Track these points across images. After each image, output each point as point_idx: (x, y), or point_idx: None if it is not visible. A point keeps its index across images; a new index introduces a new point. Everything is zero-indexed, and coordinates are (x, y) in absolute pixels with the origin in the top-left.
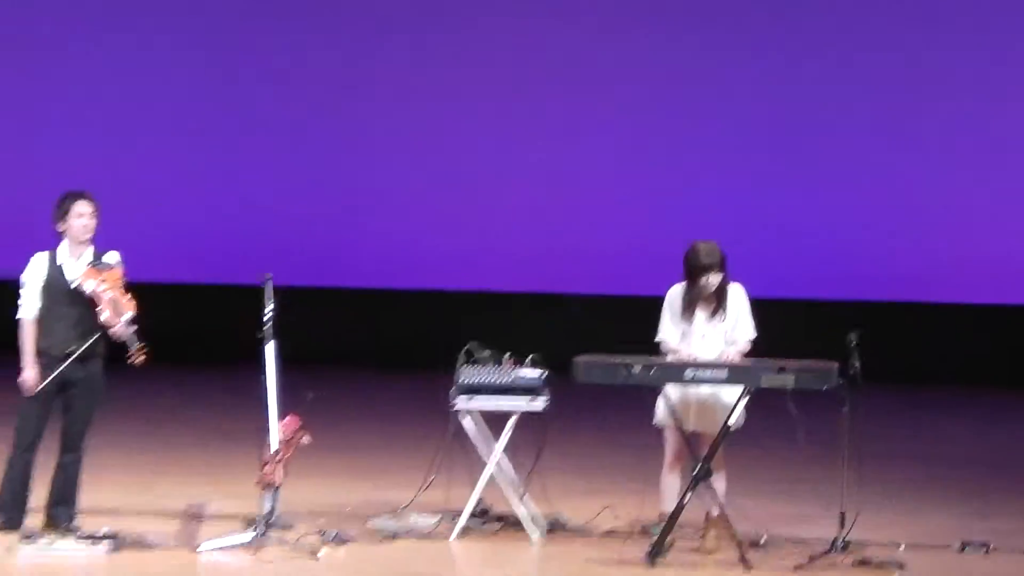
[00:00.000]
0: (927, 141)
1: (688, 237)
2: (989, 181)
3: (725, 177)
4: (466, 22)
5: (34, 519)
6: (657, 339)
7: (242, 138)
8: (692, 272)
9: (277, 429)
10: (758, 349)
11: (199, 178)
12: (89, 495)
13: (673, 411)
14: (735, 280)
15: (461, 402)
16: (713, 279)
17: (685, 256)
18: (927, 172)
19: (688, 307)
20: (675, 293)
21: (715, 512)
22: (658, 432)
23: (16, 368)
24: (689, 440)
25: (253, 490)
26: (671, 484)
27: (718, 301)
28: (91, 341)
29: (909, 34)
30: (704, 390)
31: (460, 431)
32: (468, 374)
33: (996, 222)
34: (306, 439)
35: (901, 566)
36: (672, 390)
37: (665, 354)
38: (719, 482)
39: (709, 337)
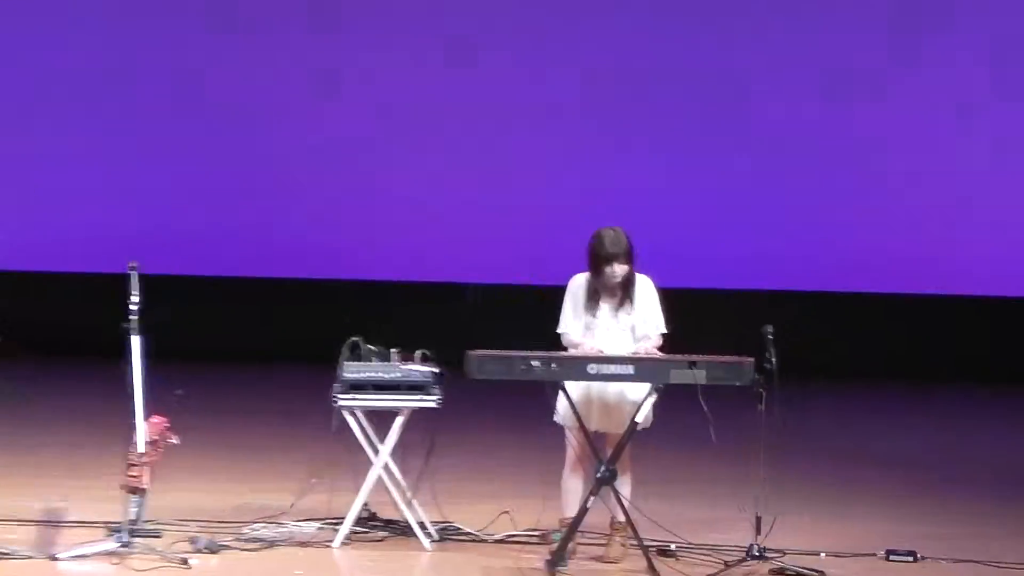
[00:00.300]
0: (841, 131)
1: (593, 224)
2: (910, 171)
3: (634, 163)
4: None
5: None
6: (558, 331)
7: (111, 120)
8: (596, 261)
9: (144, 429)
10: (667, 343)
11: (61, 161)
12: None
13: (574, 410)
14: (643, 272)
15: (344, 400)
16: (619, 269)
17: (589, 244)
18: (842, 161)
19: (592, 298)
20: (578, 283)
21: (620, 517)
22: (559, 432)
23: None
24: (592, 440)
25: (117, 494)
26: (573, 487)
27: (624, 292)
28: None
29: (822, 33)
30: (608, 387)
31: (344, 431)
32: (352, 369)
33: (919, 210)
34: (174, 440)
35: (822, 575)
36: (573, 387)
37: (567, 348)
38: (624, 485)
39: (614, 331)
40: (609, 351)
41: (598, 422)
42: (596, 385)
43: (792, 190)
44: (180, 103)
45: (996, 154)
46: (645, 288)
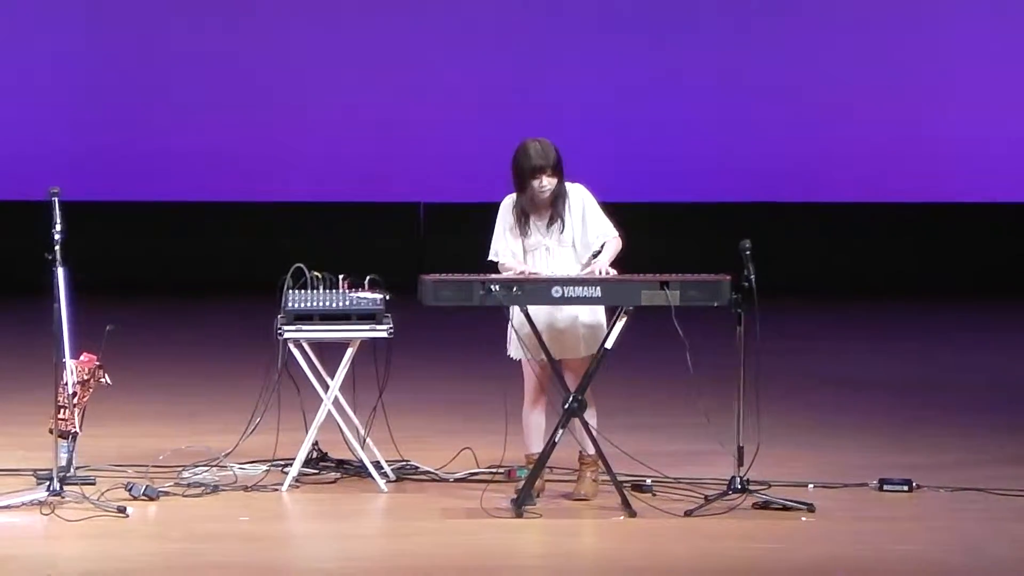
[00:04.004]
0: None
1: (566, 142)
2: (873, 76)
3: (598, 75)
4: None
5: None
6: (490, 257)
7: (29, 39)
8: (522, 175)
9: (72, 368)
10: (640, 262)
11: None
12: None
13: (527, 340)
14: (575, 181)
15: (289, 332)
16: (547, 182)
17: (513, 158)
18: (809, 70)
19: (520, 219)
20: (507, 205)
21: (590, 450)
22: (518, 363)
23: None
24: (552, 370)
25: (46, 440)
26: (535, 422)
27: (553, 208)
28: None
29: None
30: (557, 311)
31: (289, 366)
32: (296, 299)
33: (887, 112)
34: (106, 379)
35: (811, 508)
36: (520, 315)
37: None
38: (589, 417)
39: (554, 251)
40: (553, 273)
41: (556, 351)
42: (543, 310)
43: (765, 96)
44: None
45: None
46: (579, 198)
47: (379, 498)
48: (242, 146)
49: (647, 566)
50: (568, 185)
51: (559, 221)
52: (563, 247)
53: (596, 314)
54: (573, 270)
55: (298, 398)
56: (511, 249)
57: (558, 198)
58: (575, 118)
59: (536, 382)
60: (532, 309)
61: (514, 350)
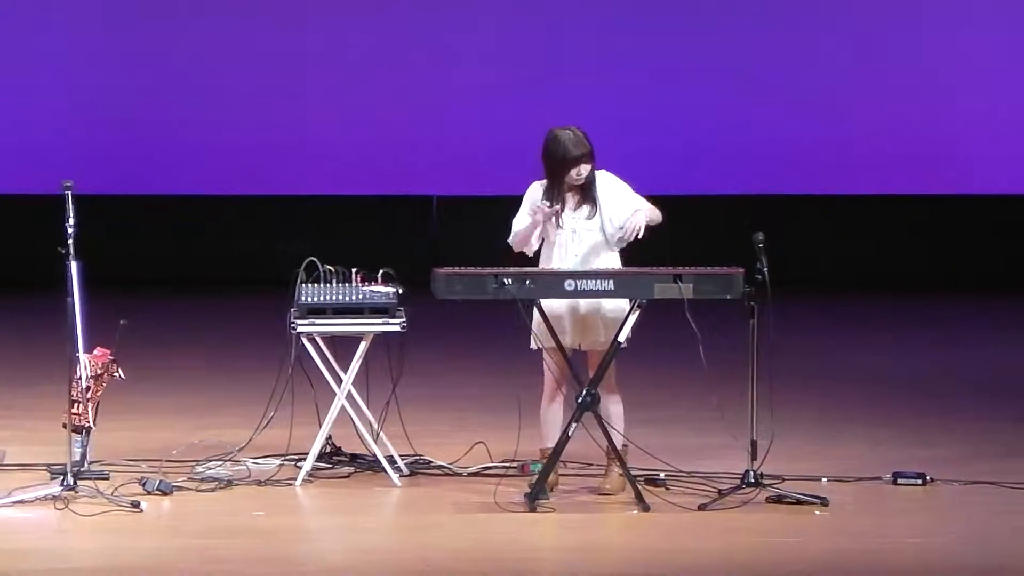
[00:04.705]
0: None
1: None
2: (893, 67)
3: (610, 66)
4: None
5: None
6: (509, 240)
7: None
8: (559, 166)
9: (86, 362)
10: (653, 254)
11: None
12: None
13: (549, 326)
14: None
15: (303, 326)
16: (584, 170)
17: (546, 148)
18: (825, 59)
19: (553, 204)
20: (537, 191)
21: (620, 443)
22: (535, 356)
23: None
24: (571, 362)
25: (59, 434)
26: (553, 417)
27: (583, 192)
28: None
29: None
30: (583, 301)
31: (303, 360)
32: (310, 293)
33: (907, 107)
34: (119, 374)
35: (824, 502)
36: (546, 304)
37: (515, 247)
38: (615, 409)
39: (582, 234)
40: (580, 257)
41: (573, 337)
42: (570, 301)
43: (776, 87)
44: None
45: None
46: (607, 183)
47: (392, 492)
48: (254, 140)
49: (661, 560)
50: (597, 172)
51: (590, 205)
52: (591, 231)
53: (619, 302)
54: (598, 253)
55: (311, 392)
56: (551, 235)
57: (590, 182)
58: (589, 109)
59: (555, 373)
60: (564, 299)
61: (535, 340)
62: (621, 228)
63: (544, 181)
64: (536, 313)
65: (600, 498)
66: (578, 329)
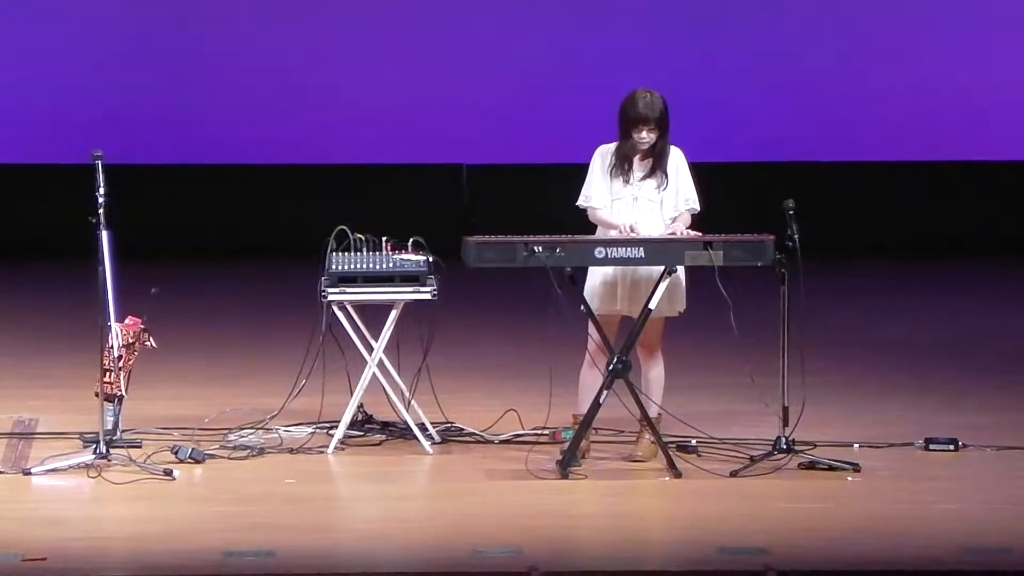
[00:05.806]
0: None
1: (605, 98)
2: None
3: (642, 33)
4: None
5: None
6: (579, 203)
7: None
8: (626, 123)
9: (117, 331)
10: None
11: (10, 47)
12: None
13: (600, 293)
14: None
15: (333, 294)
16: (647, 135)
17: (621, 106)
18: (860, 31)
19: (620, 164)
20: (606, 149)
21: (653, 412)
22: (565, 324)
23: None
24: (618, 327)
25: (92, 403)
26: (591, 382)
27: (656, 163)
28: None
29: None
30: (639, 269)
31: (334, 328)
32: (340, 261)
33: (938, 73)
34: (151, 342)
35: (856, 468)
36: (600, 271)
37: (591, 219)
38: (656, 370)
39: (642, 203)
40: (639, 225)
41: (624, 304)
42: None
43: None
44: None
45: None
46: (678, 161)
47: (424, 460)
48: (285, 109)
49: (693, 526)
50: (671, 147)
51: (659, 176)
52: (652, 202)
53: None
54: (653, 224)
55: (343, 360)
56: (605, 193)
57: (661, 155)
58: (620, 78)
59: (599, 337)
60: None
61: (587, 302)
62: (673, 214)
63: (609, 144)
64: (589, 279)
65: (632, 465)
66: (632, 296)
